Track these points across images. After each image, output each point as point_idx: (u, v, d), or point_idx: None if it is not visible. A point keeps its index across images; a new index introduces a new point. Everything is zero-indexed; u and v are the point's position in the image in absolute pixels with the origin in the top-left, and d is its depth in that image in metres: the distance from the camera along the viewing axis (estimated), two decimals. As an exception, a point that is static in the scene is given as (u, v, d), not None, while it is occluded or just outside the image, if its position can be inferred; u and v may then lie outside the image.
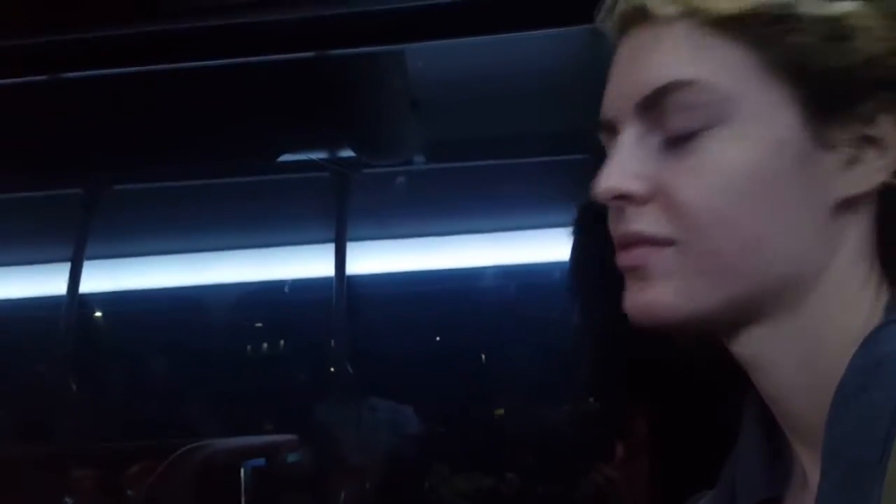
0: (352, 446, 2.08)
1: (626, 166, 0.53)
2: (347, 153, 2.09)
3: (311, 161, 2.11)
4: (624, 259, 0.54)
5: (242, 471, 1.80)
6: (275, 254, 2.52)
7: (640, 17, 0.53)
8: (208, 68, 1.29)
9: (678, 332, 0.56)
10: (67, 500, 2.02)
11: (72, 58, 1.19)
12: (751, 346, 0.55)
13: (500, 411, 2.25)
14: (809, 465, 0.55)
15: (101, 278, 2.52)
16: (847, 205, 0.52)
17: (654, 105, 0.52)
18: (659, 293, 0.52)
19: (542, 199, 1.95)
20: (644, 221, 0.53)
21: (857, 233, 0.53)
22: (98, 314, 2.66)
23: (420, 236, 2.40)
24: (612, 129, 0.55)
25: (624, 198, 0.53)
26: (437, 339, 2.41)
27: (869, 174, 0.51)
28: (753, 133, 0.50)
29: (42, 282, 2.56)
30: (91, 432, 2.23)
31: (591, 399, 1.85)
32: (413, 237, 2.39)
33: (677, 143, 0.52)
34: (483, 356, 2.33)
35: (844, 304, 0.53)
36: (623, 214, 0.53)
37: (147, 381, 2.38)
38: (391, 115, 1.85)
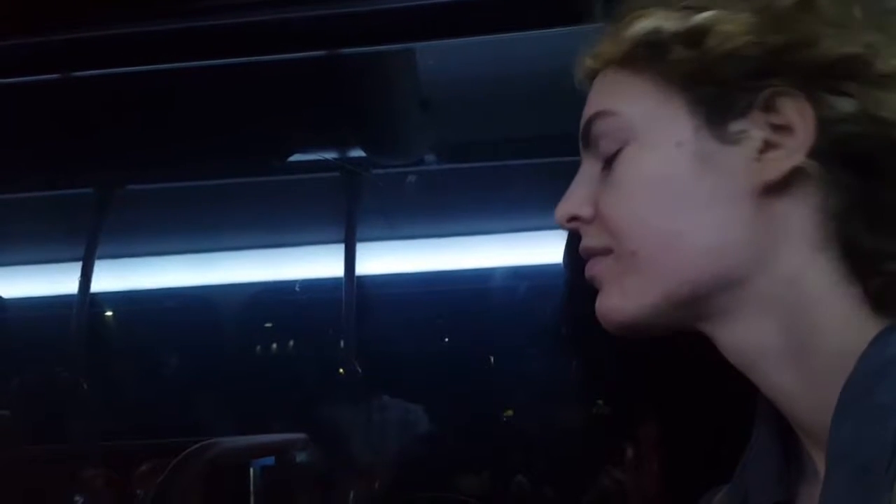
0: (361, 445, 2.08)
1: (575, 194, 0.62)
2: (357, 153, 2.09)
3: (321, 161, 2.11)
4: (585, 271, 0.62)
5: (251, 470, 1.80)
6: (285, 254, 2.52)
7: (588, 74, 0.63)
8: (218, 67, 1.30)
9: (641, 334, 0.60)
10: (78, 498, 2.03)
11: (83, 57, 1.20)
12: (733, 346, 0.57)
13: (510, 412, 2.25)
14: (820, 459, 0.55)
15: (112, 278, 2.53)
16: (769, 193, 0.54)
17: (588, 136, 0.61)
18: (608, 297, 0.60)
19: (552, 200, 1.94)
20: (589, 237, 0.61)
21: (798, 224, 0.54)
22: (109, 313, 2.68)
23: (430, 237, 2.40)
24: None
25: (576, 219, 0.62)
26: (446, 339, 2.41)
27: (780, 160, 0.54)
28: (654, 144, 0.58)
29: (54, 281, 2.58)
30: (101, 431, 2.24)
31: (600, 401, 1.84)
32: (423, 238, 2.39)
33: (606, 166, 0.60)
34: (492, 357, 2.33)
35: (817, 301, 0.53)
36: (584, 232, 0.62)
37: (157, 380, 2.40)
38: (401, 115, 1.85)
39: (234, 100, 1.66)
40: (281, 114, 1.77)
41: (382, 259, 2.34)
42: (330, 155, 2.12)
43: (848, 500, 0.45)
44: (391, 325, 2.26)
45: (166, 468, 1.62)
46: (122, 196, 2.41)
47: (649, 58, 0.57)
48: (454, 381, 2.21)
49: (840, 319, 0.52)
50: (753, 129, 0.54)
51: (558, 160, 1.93)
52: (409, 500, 1.94)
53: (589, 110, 0.61)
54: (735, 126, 0.55)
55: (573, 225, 0.62)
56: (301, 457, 1.96)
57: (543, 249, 2.14)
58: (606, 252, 0.60)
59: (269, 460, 1.86)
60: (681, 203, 0.56)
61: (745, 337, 0.56)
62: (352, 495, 2.01)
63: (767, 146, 0.54)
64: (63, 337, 2.37)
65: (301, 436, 1.95)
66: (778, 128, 0.54)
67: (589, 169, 0.61)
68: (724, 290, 0.55)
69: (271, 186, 2.34)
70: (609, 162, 0.59)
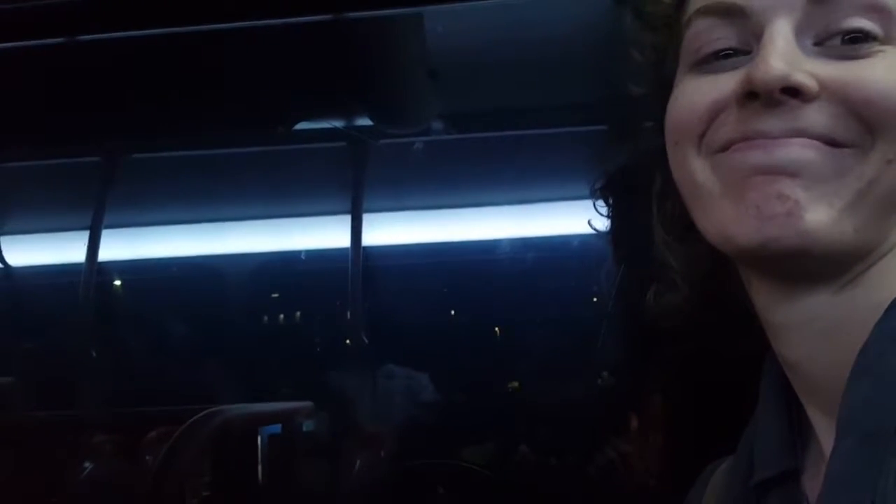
0: (366, 414, 2.09)
1: (793, 58, 0.48)
2: (364, 122, 2.08)
3: (327, 129, 2.10)
4: (777, 154, 0.47)
5: (259, 437, 1.81)
6: (291, 224, 2.52)
7: None
8: (225, 33, 1.28)
9: (799, 260, 0.49)
10: (87, 464, 2.05)
11: (88, 20, 1.18)
12: (802, 304, 0.52)
13: (515, 384, 2.25)
14: (825, 434, 0.54)
15: (119, 247, 2.54)
16: None
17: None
18: (813, 209, 0.47)
19: (560, 170, 1.93)
20: (813, 119, 0.48)
21: None
22: (117, 282, 2.68)
23: (437, 208, 2.39)
24: (737, 14, 0.51)
25: (790, 90, 0.48)
26: (453, 311, 2.41)
27: None
28: None
29: (61, 250, 2.59)
30: (110, 398, 2.26)
31: (605, 372, 1.85)
32: (430, 208, 2.38)
33: (843, 48, 0.49)
34: (498, 329, 2.33)
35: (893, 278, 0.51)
36: (777, 111, 0.48)
37: (165, 349, 2.41)
38: (408, 84, 1.83)
39: (241, 67, 1.64)
40: (287, 81, 1.76)
41: (389, 229, 2.33)
42: (337, 124, 2.10)
43: (855, 464, 0.45)
44: (397, 295, 2.26)
45: (174, 435, 1.63)
46: (127, 165, 2.41)
47: None
48: (460, 351, 2.22)
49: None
50: None
51: (569, 130, 1.91)
52: (414, 468, 1.95)
53: None
54: None
55: (780, 97, 0.48)
56: (307, 425, 1.97)
57: (552, 220, 2.13)
58: (840, 143, 0.47)
59: (276, 428, 1.88)
60: None
61: (830, 301, 0.51)
62: (357, 463, 2.02)
63: None
64: (71, 305, 2.38)
65: (307, 404, 1.97)
66: None
67: (799, 37, 0.50)
68: (872, 251, 0.50)
69: (279, 156, 2.33)
70: (848, 45, 0.49)
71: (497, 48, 1.65)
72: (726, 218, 0.50)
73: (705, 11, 0.53)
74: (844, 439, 0.46)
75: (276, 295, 2.62)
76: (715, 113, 0.51)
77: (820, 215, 0.47)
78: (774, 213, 0.47)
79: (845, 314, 0.52)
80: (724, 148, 0.51)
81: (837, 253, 0.49)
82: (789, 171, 0.47)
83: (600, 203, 0.72)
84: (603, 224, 0.73)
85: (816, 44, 0.50)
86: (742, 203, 0.48)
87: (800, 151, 0.47)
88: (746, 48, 0.52)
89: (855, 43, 0.49)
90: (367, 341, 2.21)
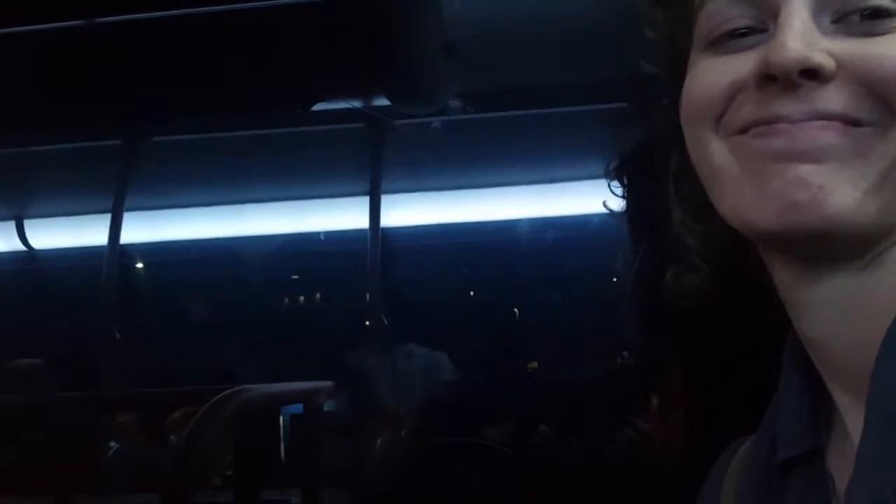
0: (386, 393, 2.10)
1: (810, 38, 0.47)
2: (382, 102, 2.07)
3: (345, 110, 2.10)
4: (799, 140, 0.47)
5: (281, 416, 1.83)
6: (311, 206, 2.53)
7: None
8: (243, 16, 1.28)
9: (817, 240, 0.48)
10: (112, 443, 2.08)
11: (106, 3, 1.19)
12: (824, 284, 0.50)
13: (534, 364, 2.25)
14: (850, 413, 0.54)
15: (141, 229, 2.56)
16: None
17: None
18: (837, 190, 0.46)
19: (580, 149, 1.91)
20: (832, 99, 0.47)
21: None
22: (139, 265, 2.71)
23: (455, 188, 2.38)
24: None
25: (810, 73, 0.46)
26: (472, 292, 2.41)
27: None
28: None
29: (84, 233, 2.61)
30: (134, 378, 2.29)
31: (625, 352, 1.85)
32: (447, 189, 2.38)
33: (862, 25, 0.48)
34: (517, 309, 2.33)
35: None
36: (796, 94, 0.47)
37: (188, 329, 2.43)
38: (425, 62, 1.81)
39: (259, 48, 1.64)
40: (304, 63, 1.75)
41: (408, 210, 2.34)
42: (355, 104, 2.10)
43: (883, 447, 0.44)
44: (416, 276, 2.27)
45: (197, 414, 1.65)
46: (148, 148, 2.42)
47: None
48: (479, 331, 2.22)
49: None
50: None
51: (590, 108, 1.89)
52: (434, 447, 1.96)
53: None
54: None
55: (799, 80, 0.47)
56: (328, 404, 1.99)
57: (571, 200, 2.12)
58: (861, 122, 0.46)
59: (298, 408, 1.89)
60: None
61: (853, 280, 0.50)
62: (378, 441, 2.04)
63: None
64: (95, 288, 2.41)
65: (328, 384, 1.98)
66: None
67: (816, 16, 0.49)
68: (892, 233, 0.48)
69: (298, 138, 2.34)
70: (866, 23, 0.48)
71: (514, 25, 1.63)
72: (747, 203, 0.50)
73: None
74: (872, 421, 0.45)
75: (296, 276, 2.64)
76: (732, 94, 0.51)
77: (845, 198, 0.46)
78: (798, 200, 0.46)
79: (868, 293, 0.51)
80: (744, 130, 0.50)
81: (861, 234, 0.48)
82: (812, 157, 0.47)
83: (615, 184, 0.70)
84: (619, 204, 0.72)
85: (834, 21, 0.49)
86: (763, 190, 0.48)
87: (821, 135, 0.47)
88: (762, 26, 0.51)
89: (874, 19, 0.48)
90: (386, 322, 2.22)
